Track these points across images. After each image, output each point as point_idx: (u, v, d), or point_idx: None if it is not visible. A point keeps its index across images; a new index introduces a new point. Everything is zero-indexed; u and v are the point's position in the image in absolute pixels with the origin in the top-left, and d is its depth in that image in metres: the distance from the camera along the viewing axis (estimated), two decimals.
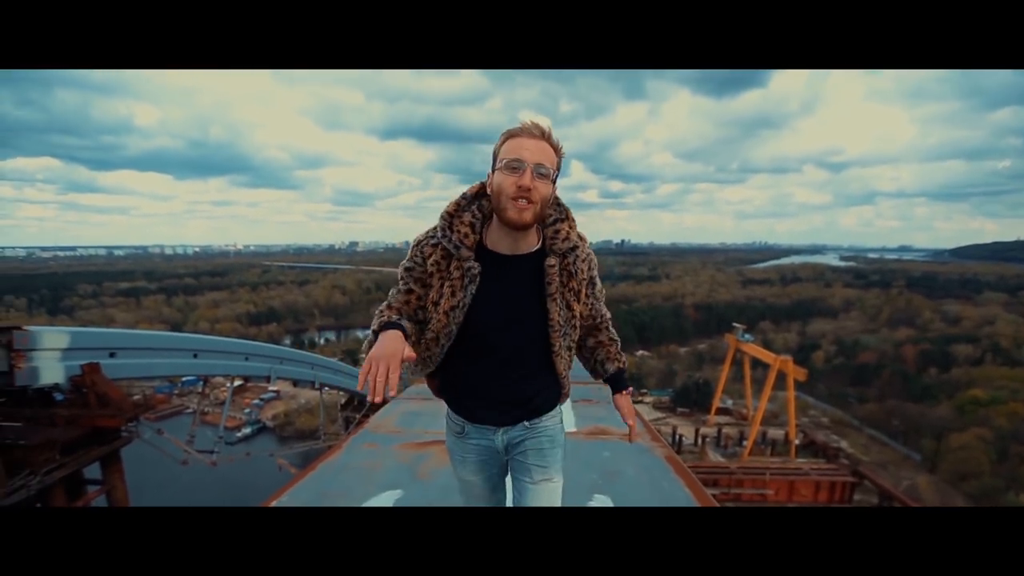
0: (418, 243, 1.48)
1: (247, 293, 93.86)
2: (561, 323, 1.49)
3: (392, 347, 1.24)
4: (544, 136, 1.33)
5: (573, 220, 1.51)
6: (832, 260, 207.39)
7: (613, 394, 1.74)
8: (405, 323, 1.39)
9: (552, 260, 1.44)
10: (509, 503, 1.73)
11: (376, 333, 1.37)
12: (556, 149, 1.36)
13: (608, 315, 1.72)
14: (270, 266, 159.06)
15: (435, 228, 1.46)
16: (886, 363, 52.95)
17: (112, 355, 8.84)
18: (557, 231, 1.46)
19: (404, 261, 1.50)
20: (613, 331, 1.74)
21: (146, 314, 73.60)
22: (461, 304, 1.42)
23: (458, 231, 1.42)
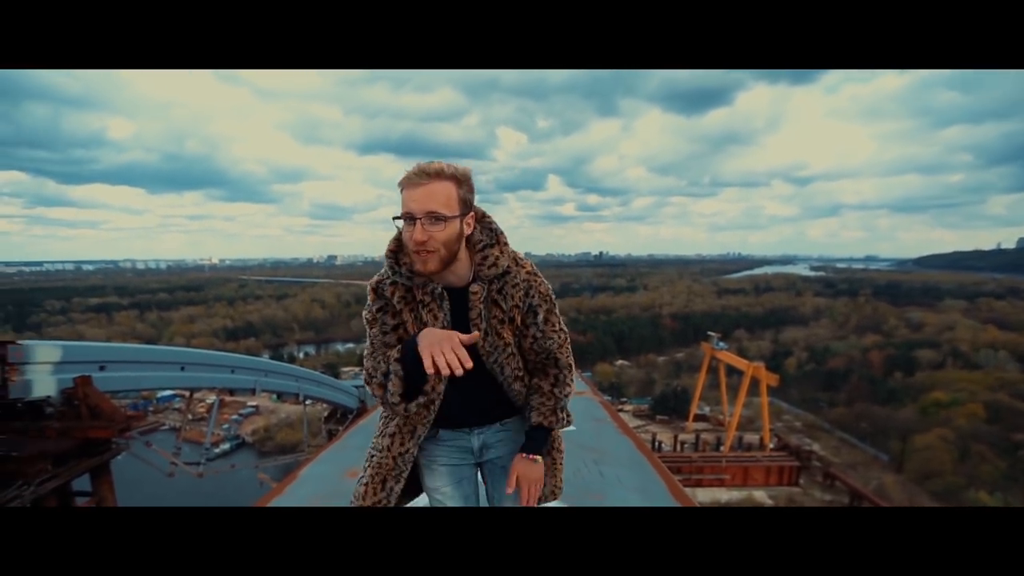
0: (378, 283, 1.44)
1: (224, 308, 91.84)
2: (488, 349, 1.44)
3: (445, 333, 1.26)
4: (432, 177, 1.26)
5: (504, 244, 1.43)
6: (802, 270, 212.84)
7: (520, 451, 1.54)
8: None
9: (476, 287, 1.40)
10: None
11: (400, 361, 1.34)
12: (457, 179, 1.30)
13: (564, 360, 1.54)
14: (247, 280, 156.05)
15: (384, 272, 1.43)
16: (854, 368, 54.63)
17: (102, 368, 8.99)
18: (485, 257, 1.41)
19: (369, 306, 1.44)
20: (565, 383, 1.54)
21: (118, 330, 71.61)
22: (446, 324, 1.39)
23: (405, 264, 1.39)
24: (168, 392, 41.02)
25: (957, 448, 34.88)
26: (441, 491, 1.60)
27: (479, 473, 1.68)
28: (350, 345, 75.55)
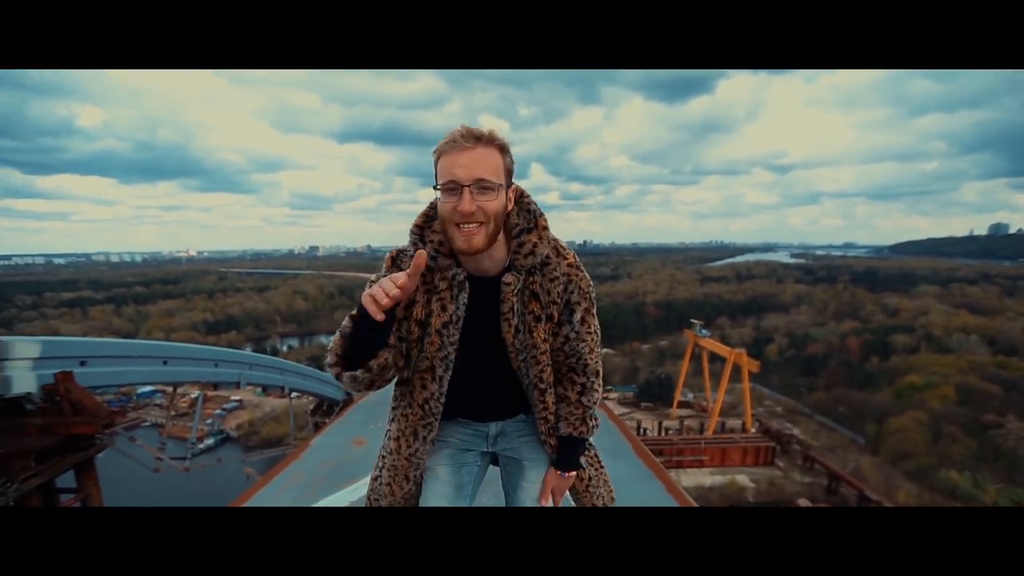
0: (399, 253, 1.33)
1: (203, 301, 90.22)
2: (518, 347, 1.33)
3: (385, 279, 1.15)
4: (481, 142, 1.15)
5: (544, 228, 1.30)
6: (783, 258, 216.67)
7: (549, 465, 1.51)
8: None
9: (510, 278, 1.28)
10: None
11: (352, 319, 1.22)
12: (502, 149, 1.19)
13: (594, 365, 1.44)
14: (226, 272, 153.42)
15: (407, 245, 1.33)
16: (833, 354, 55.86)
17: (83, 363, 8.82)
18: (521, 244, 1.27)
19: (379, 274, 1.30)
20: (592, 390, 1.43)
21: (94, 325, 69.64)
22: (455, 318, 1.28)
23: (431, 241, 1.27)
24: (148, 388, 40.29)
25: (930, 430, 36.07)
26: (437, 470, 1.50)
27: (491, 463, 1.64)
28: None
